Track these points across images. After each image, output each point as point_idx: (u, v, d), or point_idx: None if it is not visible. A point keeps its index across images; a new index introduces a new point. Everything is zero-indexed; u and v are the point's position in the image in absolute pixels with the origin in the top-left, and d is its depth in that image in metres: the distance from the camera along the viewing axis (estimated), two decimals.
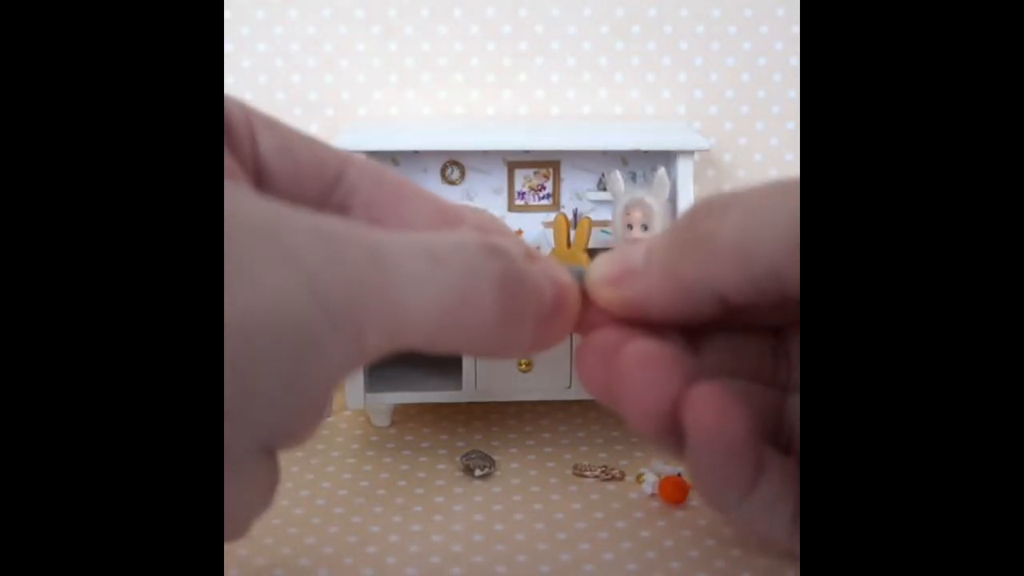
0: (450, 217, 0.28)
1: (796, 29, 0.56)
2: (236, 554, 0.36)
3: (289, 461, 0.43)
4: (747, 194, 0.26)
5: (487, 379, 0.44)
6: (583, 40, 0.53)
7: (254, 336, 0.20)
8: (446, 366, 0.46)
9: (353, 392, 0.44)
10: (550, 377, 0.44)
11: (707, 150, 0.51)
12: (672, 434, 0.26)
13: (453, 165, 0.48)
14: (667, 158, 0.45)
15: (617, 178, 0.45)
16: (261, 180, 0.26)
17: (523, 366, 0.44)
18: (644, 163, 0.48)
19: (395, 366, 0.46)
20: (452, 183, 0.48)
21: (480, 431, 0.46)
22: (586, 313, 0.28)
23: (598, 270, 0.28)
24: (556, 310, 0.26)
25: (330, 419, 0.47)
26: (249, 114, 0.26)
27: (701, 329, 0.29)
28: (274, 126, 0.27)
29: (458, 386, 0.44)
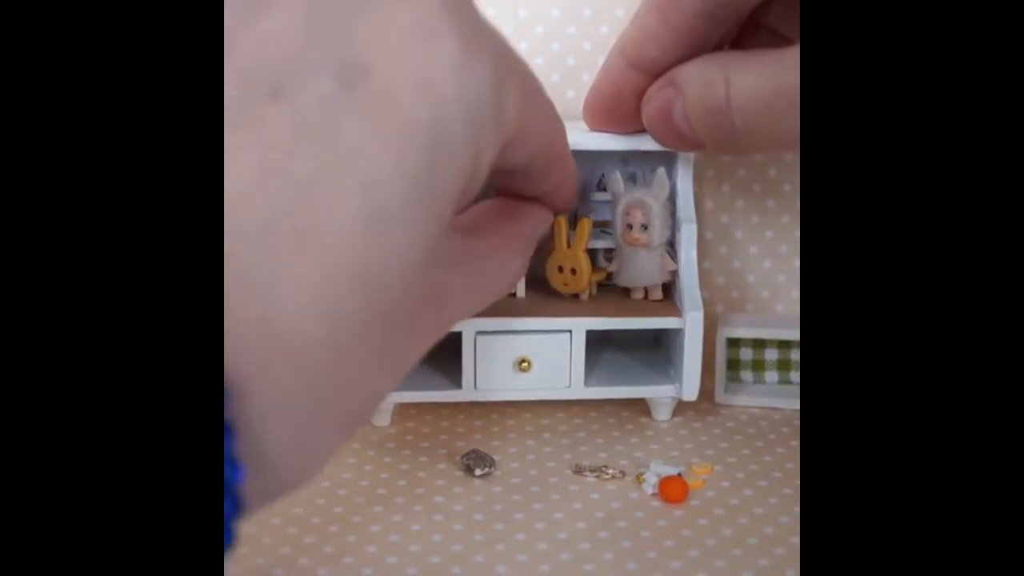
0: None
1: None
2: (236, 554, 0.36)
3: None
4: None
5: (487, 379, 0.44)
6: (583, 40, 0.53)
7: None
8: (446, 366, 0.46)
9: None
10: (550, 377, 0.44)
11: None
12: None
13: None
14: (667, 158, 0.45)
15: (617, 178, 0.45)
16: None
17: (523, 366, 0.44)
18: (644, 163, 0.48)
19: None
20: None
21: (480, 431, 0.45)
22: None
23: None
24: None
25: None
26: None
27: None
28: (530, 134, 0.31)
29: (458, 386, 0.44)
